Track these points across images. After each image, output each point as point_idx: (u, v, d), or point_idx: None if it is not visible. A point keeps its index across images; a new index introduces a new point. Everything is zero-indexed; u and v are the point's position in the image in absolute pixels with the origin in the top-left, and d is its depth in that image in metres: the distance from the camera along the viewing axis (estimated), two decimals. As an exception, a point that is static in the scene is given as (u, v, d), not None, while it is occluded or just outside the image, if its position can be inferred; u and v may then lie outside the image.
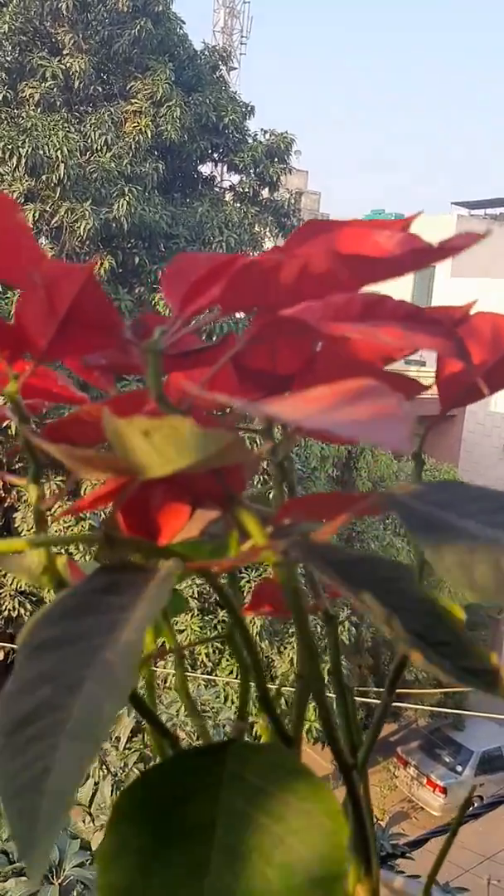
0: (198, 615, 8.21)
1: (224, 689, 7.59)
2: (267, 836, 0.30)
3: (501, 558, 0.27)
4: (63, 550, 0.41)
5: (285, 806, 0.31)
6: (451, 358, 0.40)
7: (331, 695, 0.46)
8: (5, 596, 8.20)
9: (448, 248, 0.31)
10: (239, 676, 0.42)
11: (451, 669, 0.29)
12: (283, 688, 0.53)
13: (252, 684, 0.40)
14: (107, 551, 0.37)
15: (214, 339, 0.44)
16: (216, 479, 0.36)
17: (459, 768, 11.01)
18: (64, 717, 0.27)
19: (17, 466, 7.39)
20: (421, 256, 0.32)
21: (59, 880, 2.87)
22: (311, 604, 0.45)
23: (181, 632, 8.18)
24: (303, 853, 0.30)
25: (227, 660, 8.20)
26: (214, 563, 0.35)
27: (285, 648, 8.26)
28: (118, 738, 5.20)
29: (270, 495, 0.49)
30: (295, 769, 0.32)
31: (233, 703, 7.60)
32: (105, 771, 4.84)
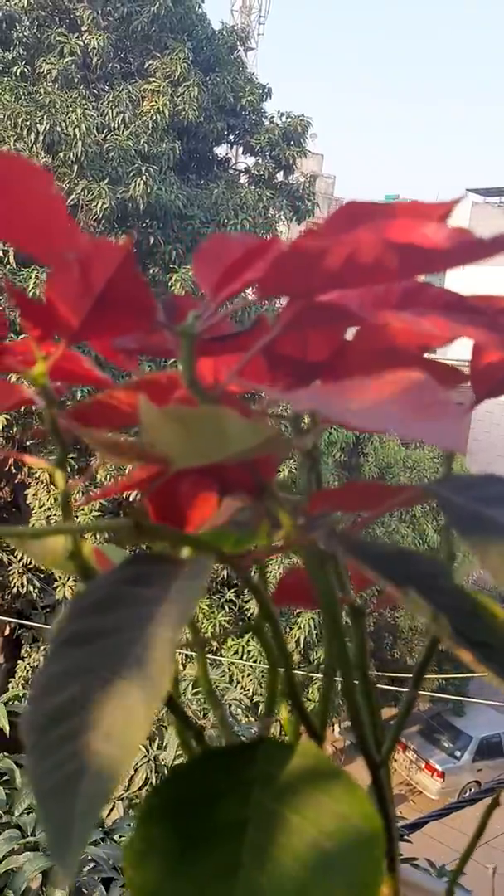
0: (206, 595, 8.21)
1: (229, 669, 7.61)
2: (300, 838, 0.29)
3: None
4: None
5: (320, 807, 0.30)
6: (494, 349, 0.39)
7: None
8: (13, 572, 8.22)
9: (498, 244, 0.30)
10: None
11: (499, 671, 0.28)
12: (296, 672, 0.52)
13: (279, 678, 0.39)
14: (132, 538, 0.36)
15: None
16: (248, 467, 0.35)
17: (458, 753, 11.05)
18: (96, 715, 0.26)
19: (27, 444, 7.40)
20: (472, 252, 0.31)
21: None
22: (338, 597, 0.44)
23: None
24: (338, 857, 0.29)
25: (233, 639, 8.21)
26: (246, 553, 0.34)
27: (291, 629, 8.26)
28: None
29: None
30: (329, 770, 0.31)
31: (237, 682, 7.61)
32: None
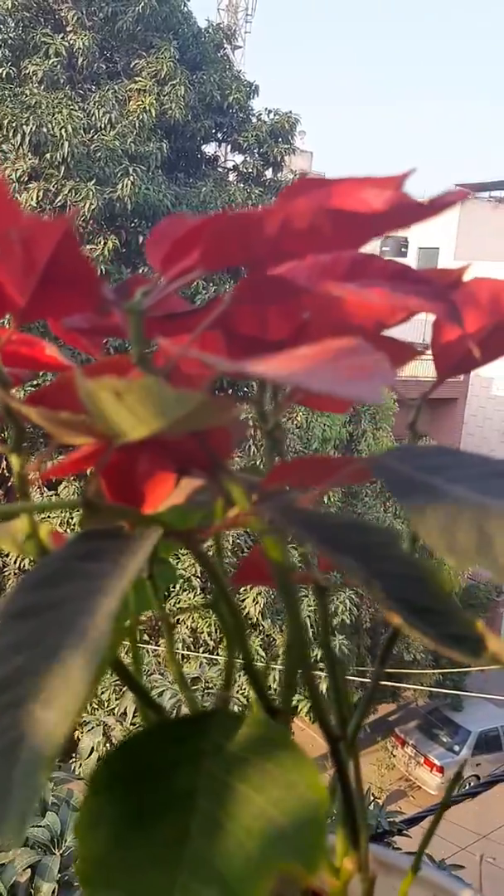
0: (200, 593, 8.22)
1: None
2: (249, 807, 0.29)
3: (485, 523, 0.27)
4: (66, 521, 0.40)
5: (268, 777, 0.30)
6: (443, 320, 0.39)
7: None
8: (9, 574, 8.22)
9: (436, 205, 0.30)
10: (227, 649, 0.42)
11: (434, 635, 0.28)
12: (273, 665, 0.52)
13: (238, 654, 0.39)
14: (90, 519, 0.36)
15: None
16: (203, 445, 0.35)
17: (457, 748, 11.06)
18: (38, 683, 0.26)
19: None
20: (409, 213, 0.31)
21: (61, 851, 3.04)
22: (302, 574, 0.44)
23: (184, 610, 8.20)
24: (284, 824, 0.29)
25: (230, 639, 8.20)
26: (196, 529, 0.34)
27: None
28: (124, 714, 5.19)
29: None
30: (278, 741, 0.31)
31: (235, 681, 7.61)
32: (110, 746, 4.85)
